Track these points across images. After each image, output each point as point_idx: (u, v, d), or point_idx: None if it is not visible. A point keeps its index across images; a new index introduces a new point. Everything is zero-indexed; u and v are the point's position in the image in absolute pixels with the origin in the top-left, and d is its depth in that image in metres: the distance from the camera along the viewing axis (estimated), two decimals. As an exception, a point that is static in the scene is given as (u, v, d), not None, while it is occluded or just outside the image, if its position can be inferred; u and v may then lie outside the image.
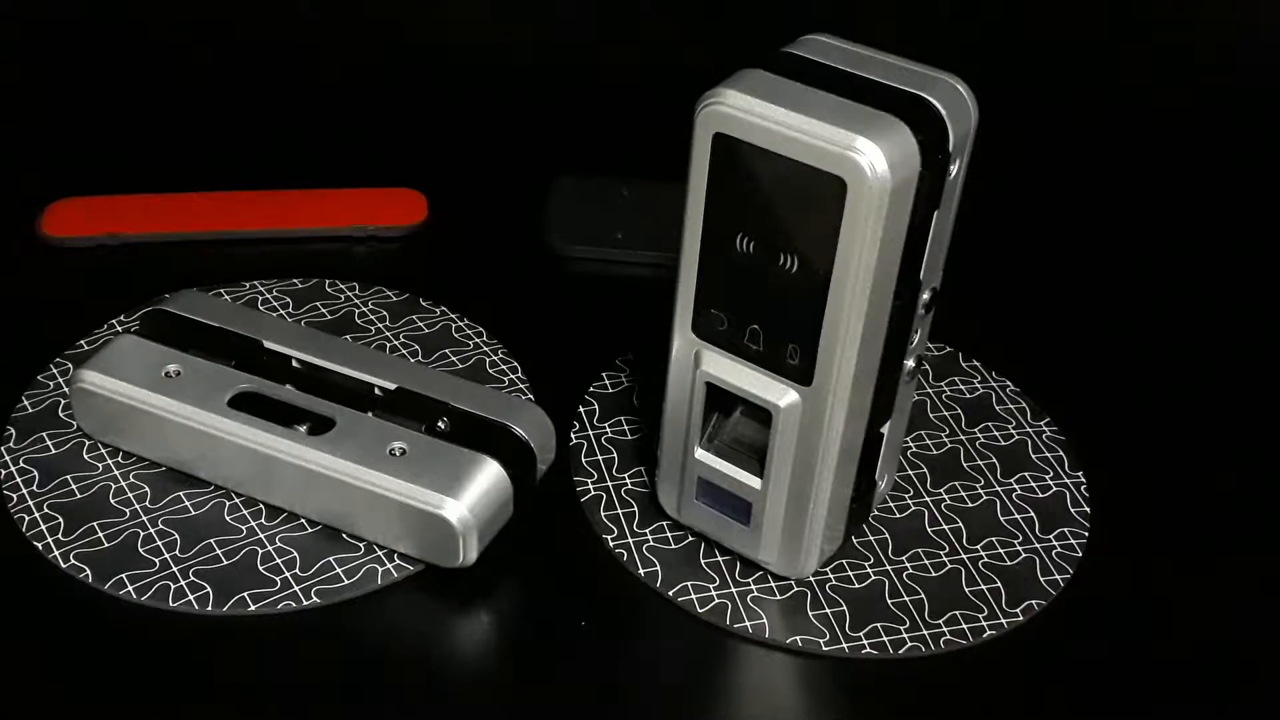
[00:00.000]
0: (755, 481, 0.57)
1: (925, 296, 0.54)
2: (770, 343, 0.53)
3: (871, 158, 0.47)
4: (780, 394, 0.54)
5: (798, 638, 0.58)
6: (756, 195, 0.50)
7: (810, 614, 0.59)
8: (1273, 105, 0.97)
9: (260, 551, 0.60)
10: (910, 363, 0.56)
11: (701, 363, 0.55)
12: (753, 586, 0.60)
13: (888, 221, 0.48)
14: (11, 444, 0.65)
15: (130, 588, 0.58)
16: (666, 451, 0.60)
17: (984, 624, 0.59)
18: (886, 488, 0.61)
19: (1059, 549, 0.63)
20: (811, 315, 0.51)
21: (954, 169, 0.51)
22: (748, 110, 0.49)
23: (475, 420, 0.61)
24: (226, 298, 0.73)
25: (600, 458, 0.66)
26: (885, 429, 0.58)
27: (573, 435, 0.67)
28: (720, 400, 0.57)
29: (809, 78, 0.50)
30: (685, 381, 0.57)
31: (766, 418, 0.55)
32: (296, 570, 0.60)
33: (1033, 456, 0.68)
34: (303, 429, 0.61)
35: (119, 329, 0.72)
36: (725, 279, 0.53)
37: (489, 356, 0.72)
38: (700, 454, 0.58)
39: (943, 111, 0.50)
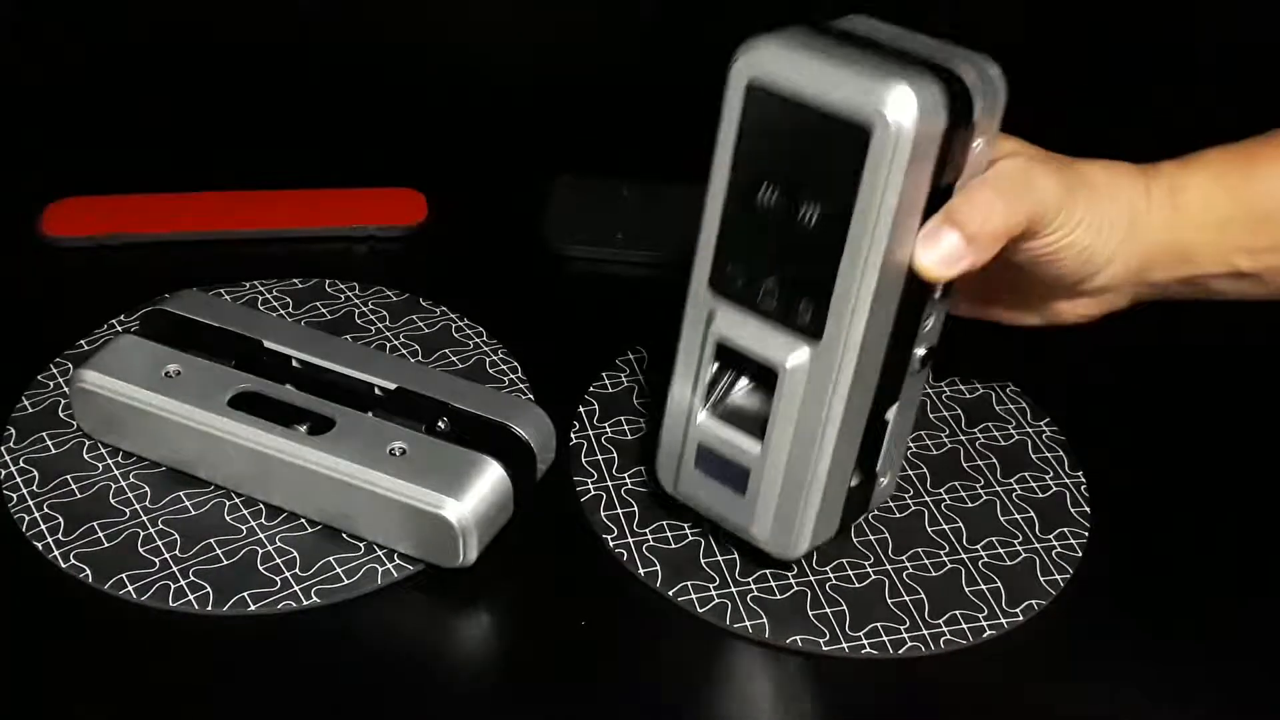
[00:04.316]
0: (754, 446, 0.56)
1: (938, 294, 0.54)
2: (784, 297, 0.53)
3: (899, 103, 0.48)
4: (788, 352, 0.53)
5: (798, 638, 0.58)
6: (784, 143, 0.51)
7: (810, 614, 0.59)
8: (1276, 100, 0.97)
9: (260, 551, 0.60)
10: (921, 350, 0.56)
11: (714, 321, 0.55)
12: (753, 586, 0.60)
13: (910, 170, 0.48)
14: (11, 444, 0.65)
15: (130, 588, 0.58)
16: (670, 418, 0.59)
17: (984, 624, 0.59)
18: (889, 486, 0.61)
19: (1059, 549, 0.63)
20: (827, 267, 0.51)
21: (979, 142, 0.51)
22: (782, 59, 0.50)
23: (475, 420, 0.61)
24: (226, 298, 0.73)
25: (600, 458, 0.66)
26: (891, 415, 0.57)
27: (573, 435, 0.67)
28: (729, 368, 0.57)
29: (844, 40, 0.51)
30: (696, 342, 0.57)
31: (773, 390, 0.54)
32: (296, 570, 0.60)
33: (1033, 456, 0.68)
34: (303, 429, 0.61)
35: (119, 329, 0.72)
36: (745, 232, 0.53)
37: (489, 356, 0.72)
38: (703, 418, 0.58)
39: (973, 81, 0.50)
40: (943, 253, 0.51)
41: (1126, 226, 0.55)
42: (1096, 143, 0.58)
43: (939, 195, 0.51)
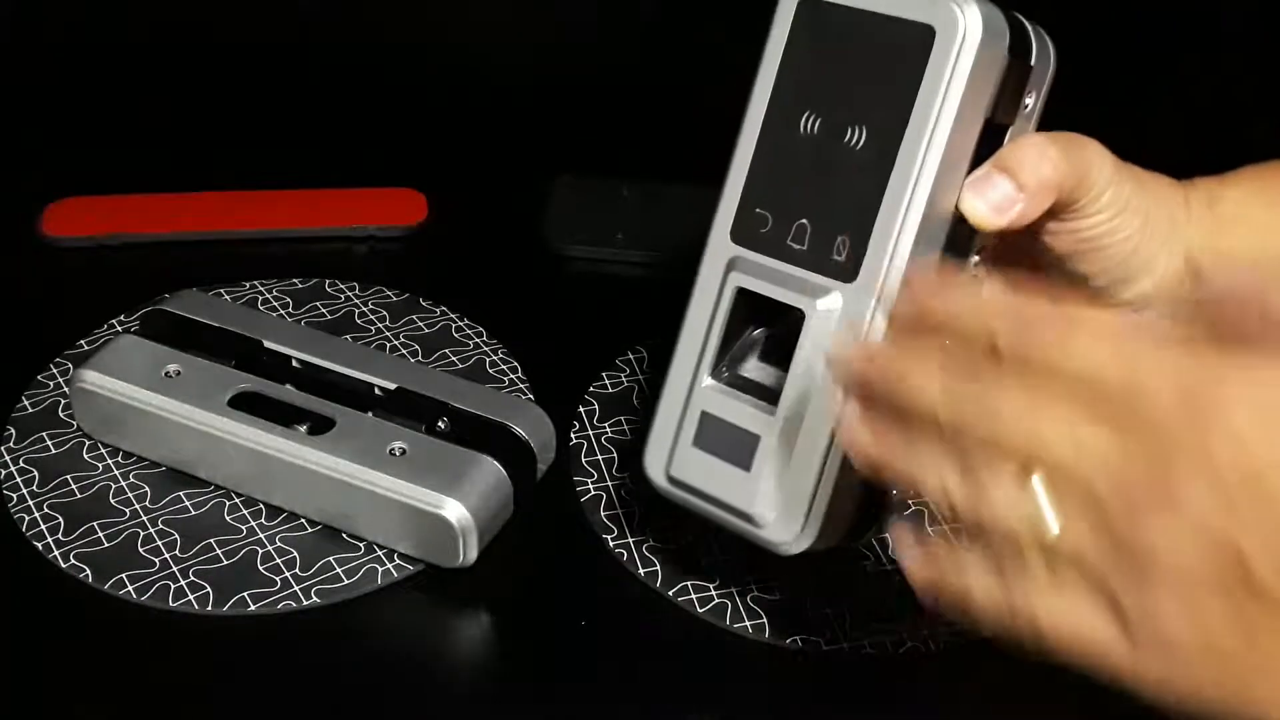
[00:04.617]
0: (767, 411, 0.52)
1: (976, 259, 0.52)
2: (817, 237, 0.50)
3: (966, 10, 0.47)
4: (818, 295, 0.50)
5: (798, 638, 0.58)
6: (836, 59, 0.50)
7: (810, 614, 0.59)
8: None
9: (260, 551, 0.60)
10: None
11: (733, 269, 0.52)
12: (753, 586, 0.60)
13: (968, 88, 0.47)
14: (11, 444, 0.65)
15: (130, 588, 0.58)
16: (670, 388, 0.54)
17: (984, 624, 0.59)
18: (899, 502, 0.57)
19: (1059, 549, 0.63)
20: (870, 197, 0.49)
21: (1030, 100, 0.51)
22: None
23: (475, 420, 0.61)
24: (226, 298, 0.73)
25: (600, 458, 0.66)
26: None
27: (573, 435, 0.67)
28: (742, 333, 0.54)
29: None
30: (710, 296, 0.53)
31: (787, 357, 0.51)
32: (296, 570, 0.60)
33: (1033, 456, 0.68)
34: (303, 429, 0.61)
35: (119, 329, 0.72)
36: (780, 170, 0.51)
37: (489, 356, 0.72)
38: (709, 383, 0.53)
39: (1030, 30, 0.50)
40: (993, 199, 0.49)
41: (1167, 229, 0.54)
42: (1124, 123, 0.57)
43: (991, 136, 0.50)
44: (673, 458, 0.54)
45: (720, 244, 0.53)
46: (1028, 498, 0.40)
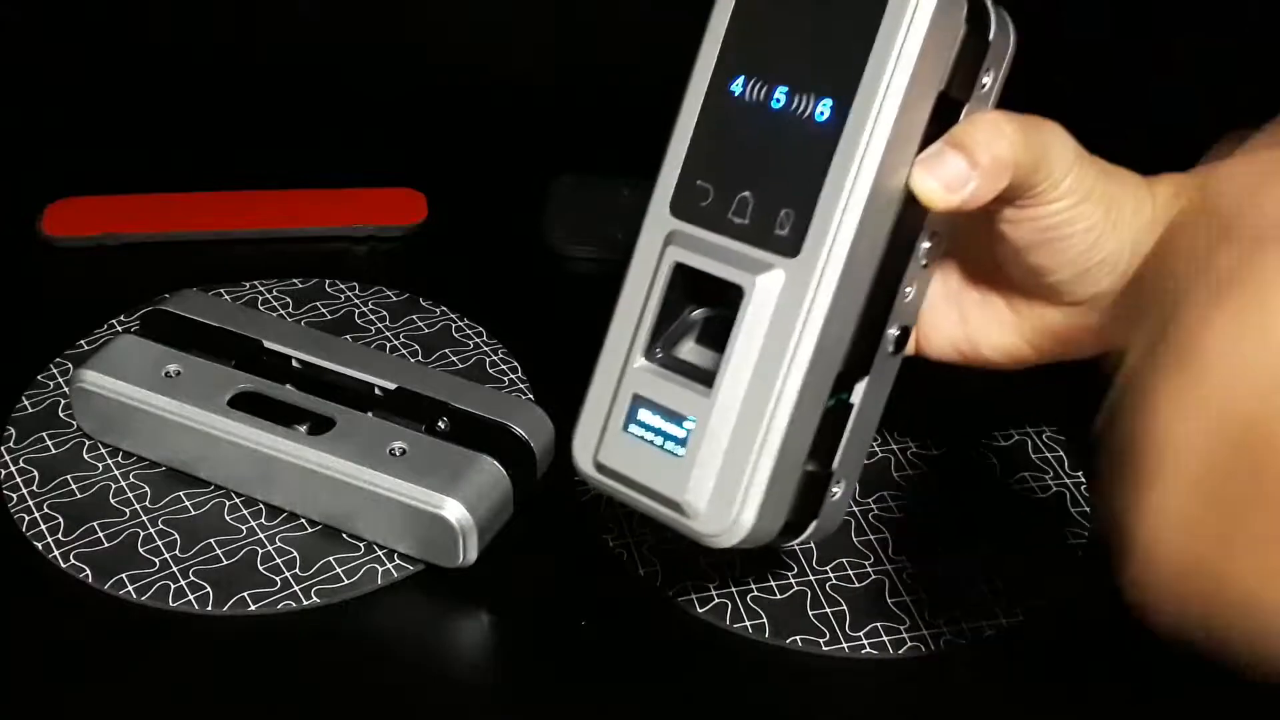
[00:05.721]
0: (701, 393, 0.49)
1: (926, 245, 0.50)
2: (760, 211, 0.48)
3: None
4: (757, 269, 0.48)
5: (798, 638, 0.58)
6: (783, 26, 0.48)
7: (810, 614, 0.59)
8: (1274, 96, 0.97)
9: (260, 551, 0.60)
10: (894, 330, 0.51)
11: (672, 243, 0.50)
12: (753, 586, 0.60)
13: (922, 56, 0.45)
14: (11, 444, 0.65)
15: (130, 588, 0.58)
16: (601, 369, 0.52)
17: (984, 624, 0.59)
18: (841, 501, 0.53)
19: (1059, 549, 0.63)
20: (816, 167, 0.47)
21: (987, 80, 0.49)
22: None
23: (475, 420, 0.61)
24: (226, 298, 0.73)
25: (600, 458, 0.66)
26: (857, 396, 0.51)
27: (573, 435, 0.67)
28: (678, 315, 0.52)
29: None
30: (647, 272, 0.51)
31: (724, 340, 0.49)
32: (296, 570, 0.60)
33: (1033, 457, 0.68)
34: (303, 429, 0.61)
35: (119, 329, 0.72)
36: (722, 140, 0.49)
37: (489, 356, 0.72)
38: (641, 363, 0.51)
39: (990, 6, 0.48)
40: (945, 176, 0.47)
41: (1130, 218, 0.53)
42: (1090, 118, 0.57)
43: (945, 114, 0.48)
44: (601, 443, 0.52)
45: (659, 217, 0.51)
46: None
